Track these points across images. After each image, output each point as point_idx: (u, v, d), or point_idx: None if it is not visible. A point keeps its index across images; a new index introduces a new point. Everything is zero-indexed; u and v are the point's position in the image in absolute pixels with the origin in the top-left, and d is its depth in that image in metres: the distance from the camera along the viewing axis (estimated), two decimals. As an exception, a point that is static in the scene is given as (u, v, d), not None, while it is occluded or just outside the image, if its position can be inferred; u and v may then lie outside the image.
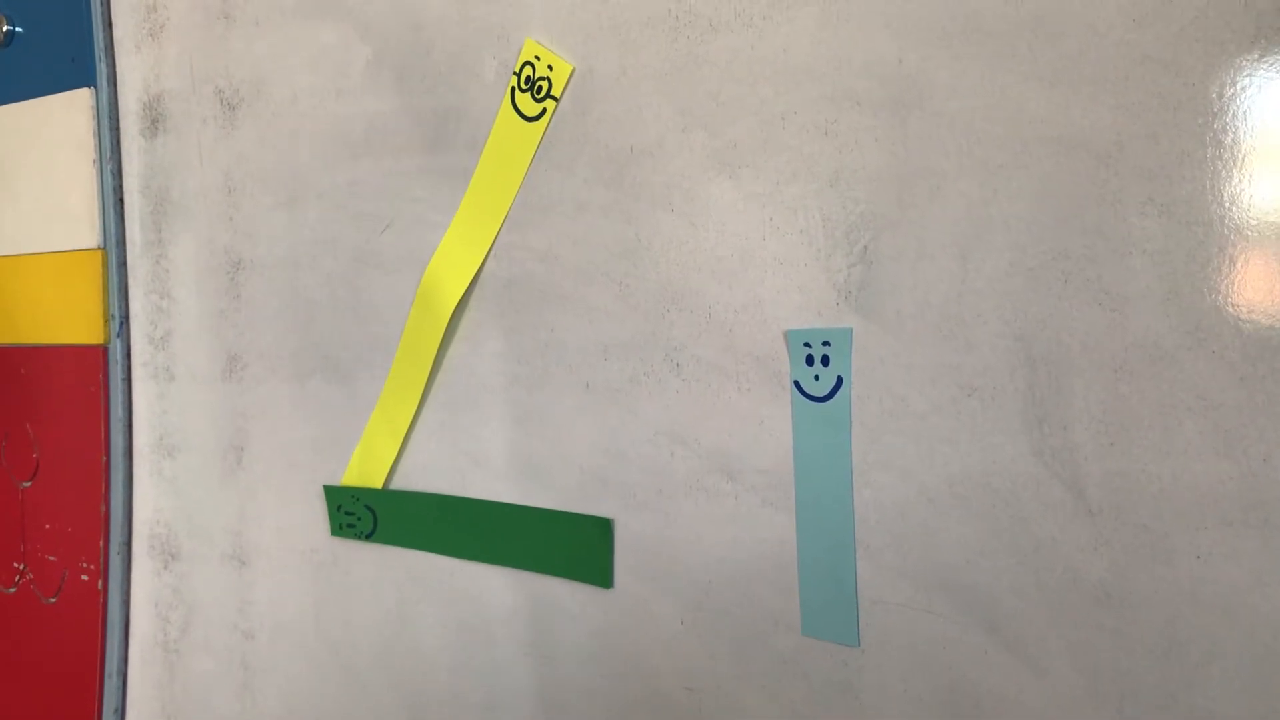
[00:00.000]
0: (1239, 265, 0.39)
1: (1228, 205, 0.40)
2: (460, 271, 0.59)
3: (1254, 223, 0.39)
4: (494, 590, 0.60)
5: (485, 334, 0.59)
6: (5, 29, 0.78)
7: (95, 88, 0.74)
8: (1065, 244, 0.42)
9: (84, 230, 0.74)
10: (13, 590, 0.81)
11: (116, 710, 0.77)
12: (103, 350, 0.74)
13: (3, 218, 0.79)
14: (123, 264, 0.75)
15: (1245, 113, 0.39)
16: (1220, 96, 0.39)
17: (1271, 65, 0.39)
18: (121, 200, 0.74)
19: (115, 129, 0.74)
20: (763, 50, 0.48)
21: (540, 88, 0.55)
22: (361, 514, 0.64)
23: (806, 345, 0.48)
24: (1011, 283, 0.44)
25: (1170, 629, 0.41)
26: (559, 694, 0.57)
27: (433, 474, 0.61)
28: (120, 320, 0.74)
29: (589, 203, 0.54)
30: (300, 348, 0.67)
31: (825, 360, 0.48)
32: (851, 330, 0.47)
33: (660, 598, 0.53)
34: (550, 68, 0.54)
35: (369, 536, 0.64)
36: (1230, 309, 0.40)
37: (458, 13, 0.57)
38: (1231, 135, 0.39)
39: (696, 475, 0.52)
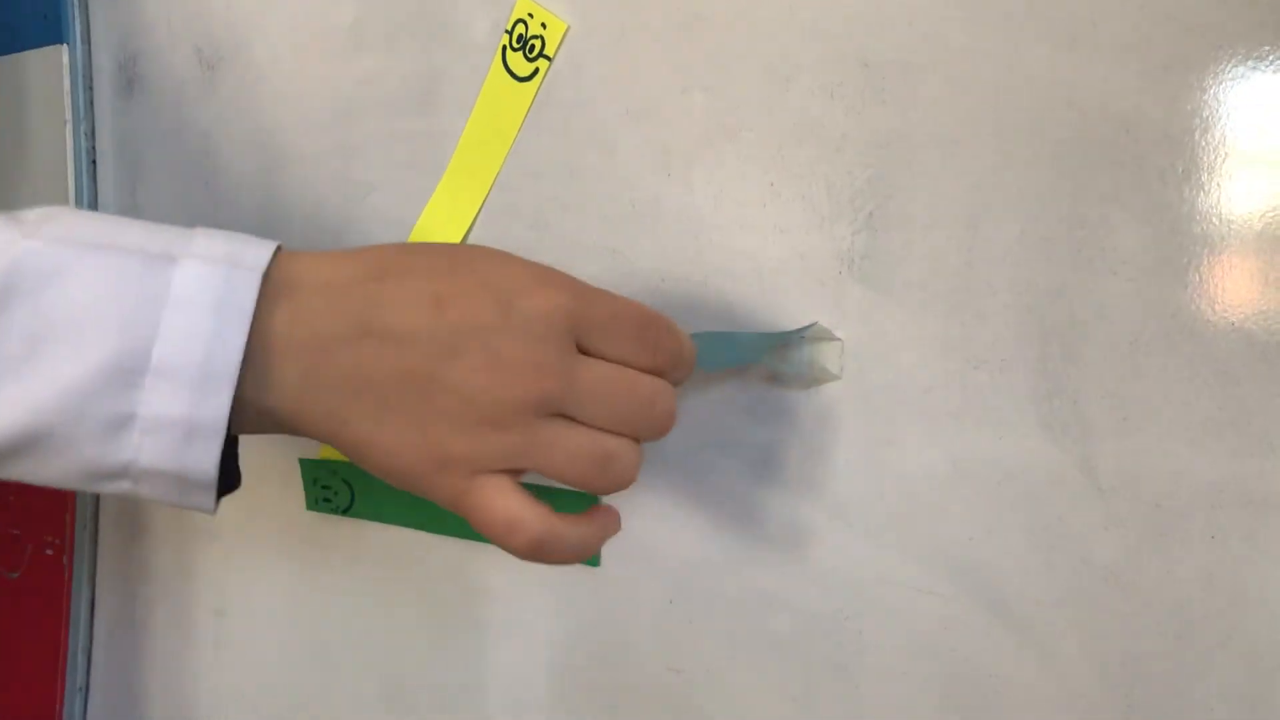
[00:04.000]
0: (1262, 234, 0.38)
1: (1252, 172, 0.38)
2: (446, 237, 0.57)
3: (1277, 191, 0.38)
4: (475, 568, 0.58)
5: (471, 303, 0.57)
6: (-25, -17, 0.75)
7: (69, 45, 0.71)
8: (1080, 212, 0.41)
9: (55, 192, 0.72)
10: (-25, 565, 0.78)
11: (81, 688, 0.74)
12: (72, 316, 0.72)
13: (-30, 179, 0.77)
14: (94, 228, 0.72)
15: (1272, 77, 0.38)
16: (1247, 59, 0.38)
17: (1302, 27, 0.37)
18: (94, 162, 0.72)
19: (89, 89, 0.72)
20: (767, 9, 0.47)
21: (533, 46, 0.53)
22: (339, 488, 0.62)
23: None
24: (1023, 252, 0.42)
25: (1182, 612, 0.40)
26: (541, 675, 0.56)
27: (414, 448, 0.60)
28: (91, 286, 0.72)
29: (582, 167, 0.52)
30: (278, 317, 0.65)
31: None
32: None
33: (648, 577, 0.52)
34: (544, 26, 0.52)
35: (346, 511, 0.62)
36: (1253, 281, 0.38)
37: (449, -32, 0.55)
38: (1258, 98, 0.38)
39: (689, 450, 0.50)
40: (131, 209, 0.71)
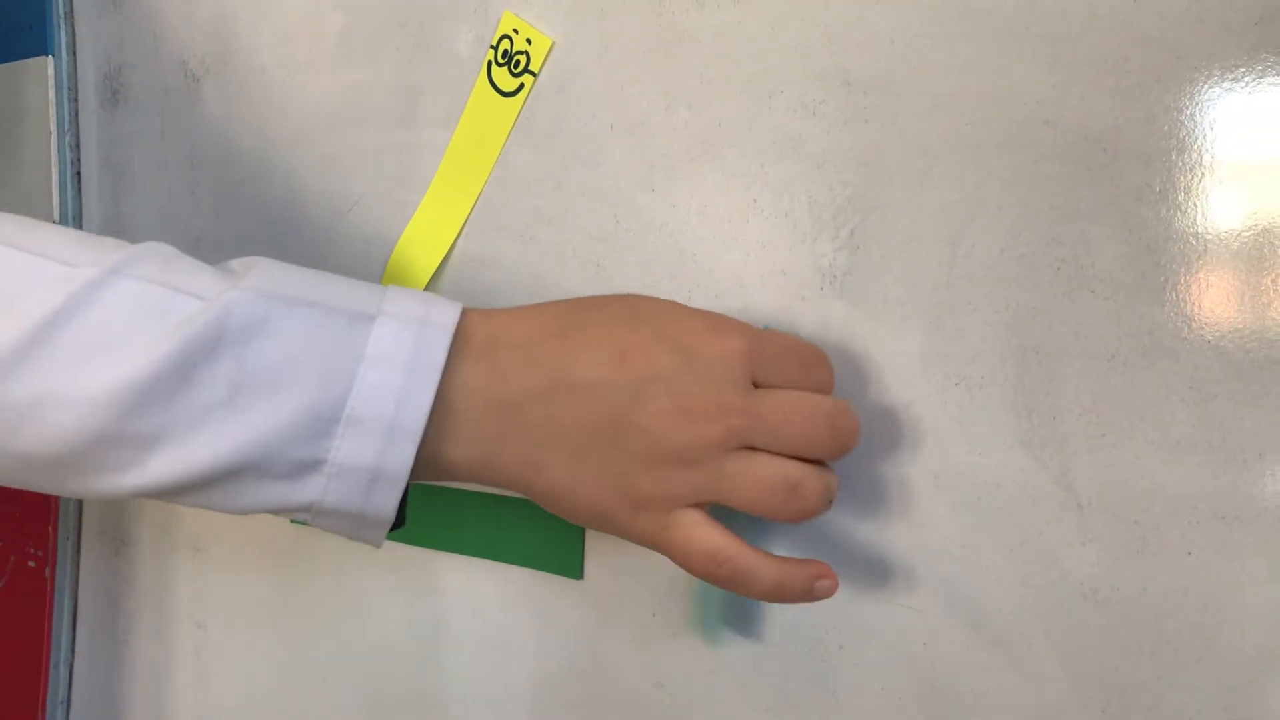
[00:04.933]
0: (1238, 254, 0.38)
1: (1227, 192, 0.39)
2: (430, 251, 0.57)
3: (1253, 210, 0.38)
4: (460, 582, 0.58)
5: (455, 316, 0.57)
6: (-39, -6, 0.75)
7: (54, 56, 0.71)
8: (1059, 230, 0.41)
9: (40, 204, 0.72)
10: (-44, 576, 0.78)
11: (63, 701, 0.74)
12: (56, 328, 0.72)
13: (-46, 189, 0.76)
14: (79, 239, 0.72)
15: (1247, 96, 0.38)
16: (1223, 79, 0.38)
17: (1275, 48, 0.38)
18: (79, 174, 0.72)
19: (74, 100, 0.72)
20: (750, 27, 0.47)
21: (518, 62, 0.53)
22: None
23: None
24: (1003, 269, 0.42)
25: (1160, 626, 0.40)
26: (524, 688, 0.56)
27: (398, 460, 0.59)
28: (75, 297, 0.72)
29: (566, 182, 0.52)
30: (262, 329, 0.65)
31: None
32: None
33: (631, 590, 0.52)
34: (529, 41, 0.53)
35: (330, 524, 0.62)
36: (1228, 299, 0.39)
37: (434, -17, 0.56)
38: (1233, 119, 0.38)
39: (672, 464, 0.50)
40: (115, 220, 0.71)
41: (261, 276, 0.39)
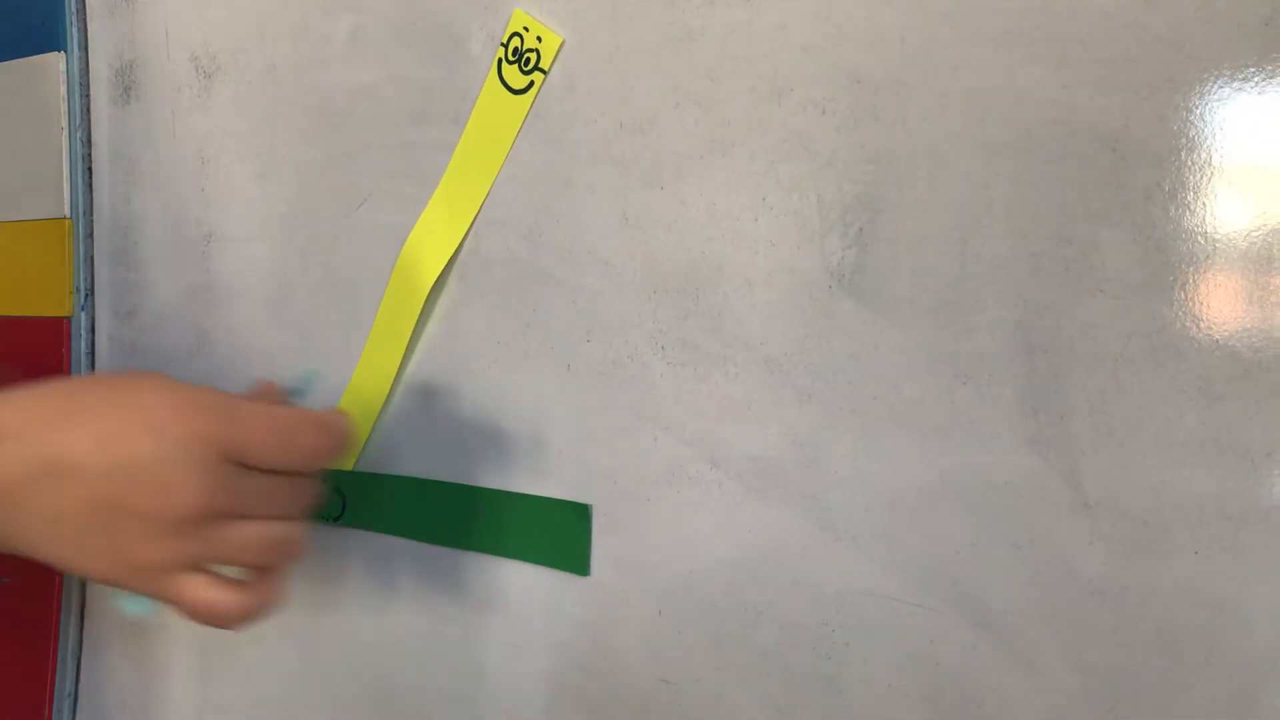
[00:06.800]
0: (1247, 254, 0.38)
1: (1236, 192, 0.39)
2: (440, 248, 0.57)
3: (1263, 210, 0.38)
4: (466, 577, 0.58)
5: (464, 314, 0.57)
6: (-26, -10, 0.76)
7: (66, 53, 0.71)
8: (1068, 229, 0.41)
9: (51, 199, 0.72)
10: (-35, 570, 0.78)
11: (69, 694, 0.74)
12: (66, 323, 0.72)
13: (-35, 185, 0.77)
14: (89, 235, 0.72)
15: (1257, 97, 0.38)
16: (1232, 79, 0.38)
17: (1286, 49, 0.38)
18: (90, 169, 0.72)
19: (85, 96, 0.72)
20: (760, 25, 0.47)
21: (528, 60, 0.53)
22: (329, 496, 0.62)
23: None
24: (1012, 268, 0.42)
25: (1167, 626, 0.40)
26: (531, 685, 0.56)
27: (405, 456, 0.60)
28: (85, 293, 0.72)
29: (575, 180, 0.52)
30: (272, 325, 0.65)
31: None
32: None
33: (638, 587, 0.52)
34: (539, 39, 0.53)
35: (337, 520, 0.62)
36: (1237, 299, 0.39)
37: (445, -19, 0.56)
38: (1243, 119, 0.38)
39: (680, 461, 0.50)
40: (126, 216, 0.71)
41: None
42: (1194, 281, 0.39)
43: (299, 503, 0.48)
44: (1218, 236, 0.39)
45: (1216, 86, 0.39)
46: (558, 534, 0.54)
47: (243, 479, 0.45)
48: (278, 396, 0.52)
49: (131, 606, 0.50)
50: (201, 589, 0.45)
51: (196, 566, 0.45)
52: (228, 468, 0.44)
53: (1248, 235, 0.38)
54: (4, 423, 0.43)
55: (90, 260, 0.73)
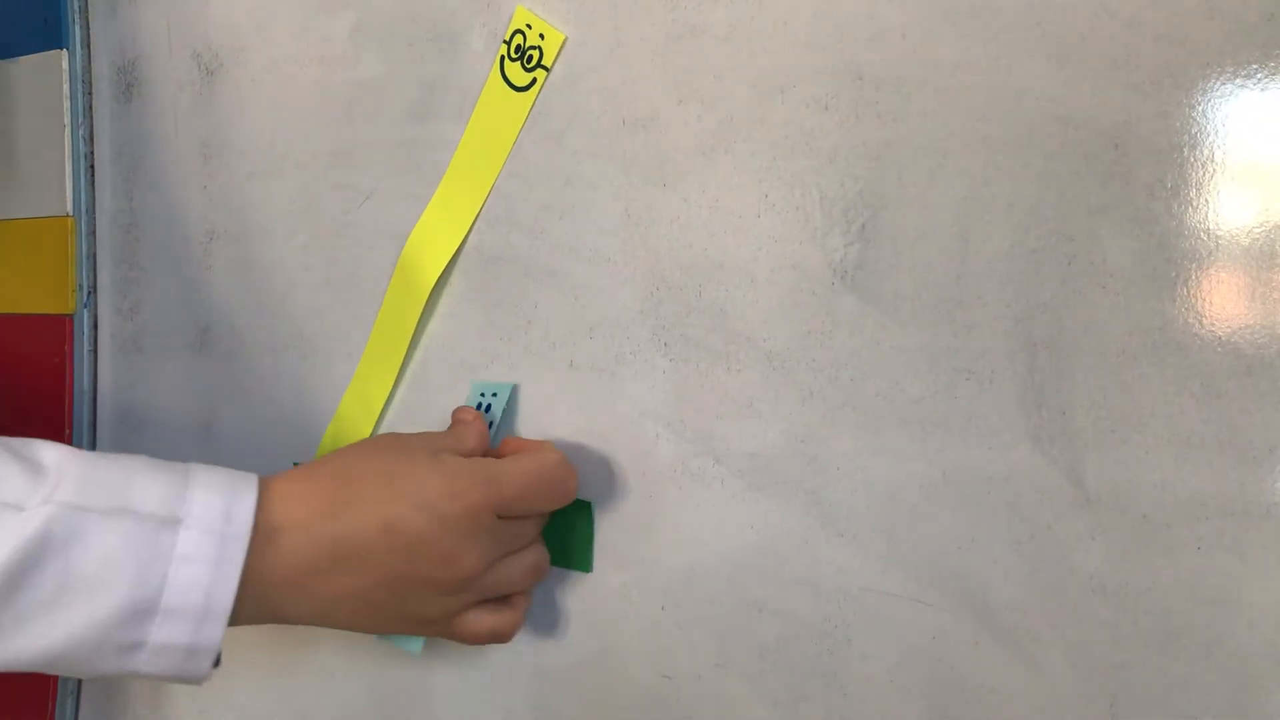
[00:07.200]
0: (1249, 250, 0.38)
1: (1239, 188, 0.39)
2: (442, 245, 0.57)
3: (1265, 206, 0.38)
4: (468, 574, 0.58)
5: (466, 310, 0.57)
6: (-24, -12, 0.76)
7: (68, 50, 0.71)
8: (1070, 225, 0.41)
9: (53, 197, 0.72)
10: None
11: (73, 692, 0.75)
12: (69, 320, 0.72)
13: (-32, 182, 0.77)
14: (92, 232, 0.72)
15: (1259, 93, 0.38)
16: (1235, 75, 0.38)
17: (1288, 45, 0.38)
18: (93, 167, 0.72)
19: (88, 93, 0.72)
20: (762, 22, 0.47)
21: (531, 57, 0.53)
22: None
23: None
24: (1013, 264, 0.42)
25: (1167, 622, 0.40)
26: (532, 681, 0.56)
27: (408, 453, 0.60)
28: (88, 290, 0.72)
29: (578, 176, 0.53)
30: (274, 322, 0.65)
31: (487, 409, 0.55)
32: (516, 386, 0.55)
33: (640, 583, 0.52)
34: (542, 36, 0.53)
35: (340, 517, 0.62)
36: (1239, 295, 0.39)
37: (447, -22, 0.56)
38: (1245, 115, 0.38)
39: (682, 458, 0.50)
40: (128, 213, 0.71)
41: (72, 487, 0.43)
42: (1196, 278, 0.39)
43: (541, 527, 0.53)
44: (1220, 233, 0.39)
45: (1218, 83, 0.39)
46: (561, 531, 0.54)
47: (507, 527, 0.50)
48: (483, 423, 0.54)
49: (410, 645, 0.55)
50: (482, 622, 0.50)
51: (475, 602, 0.50)
52: (495, 525, 0.49)
53: (1250, 231, 0.38)
54: (287, 517, 0.47)
55: (92, 257, 0.73)
